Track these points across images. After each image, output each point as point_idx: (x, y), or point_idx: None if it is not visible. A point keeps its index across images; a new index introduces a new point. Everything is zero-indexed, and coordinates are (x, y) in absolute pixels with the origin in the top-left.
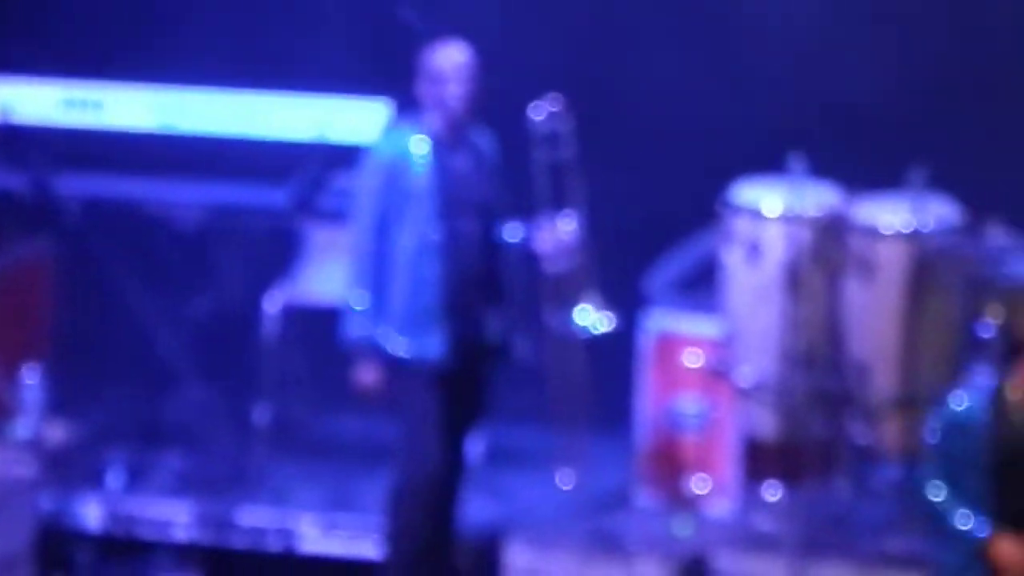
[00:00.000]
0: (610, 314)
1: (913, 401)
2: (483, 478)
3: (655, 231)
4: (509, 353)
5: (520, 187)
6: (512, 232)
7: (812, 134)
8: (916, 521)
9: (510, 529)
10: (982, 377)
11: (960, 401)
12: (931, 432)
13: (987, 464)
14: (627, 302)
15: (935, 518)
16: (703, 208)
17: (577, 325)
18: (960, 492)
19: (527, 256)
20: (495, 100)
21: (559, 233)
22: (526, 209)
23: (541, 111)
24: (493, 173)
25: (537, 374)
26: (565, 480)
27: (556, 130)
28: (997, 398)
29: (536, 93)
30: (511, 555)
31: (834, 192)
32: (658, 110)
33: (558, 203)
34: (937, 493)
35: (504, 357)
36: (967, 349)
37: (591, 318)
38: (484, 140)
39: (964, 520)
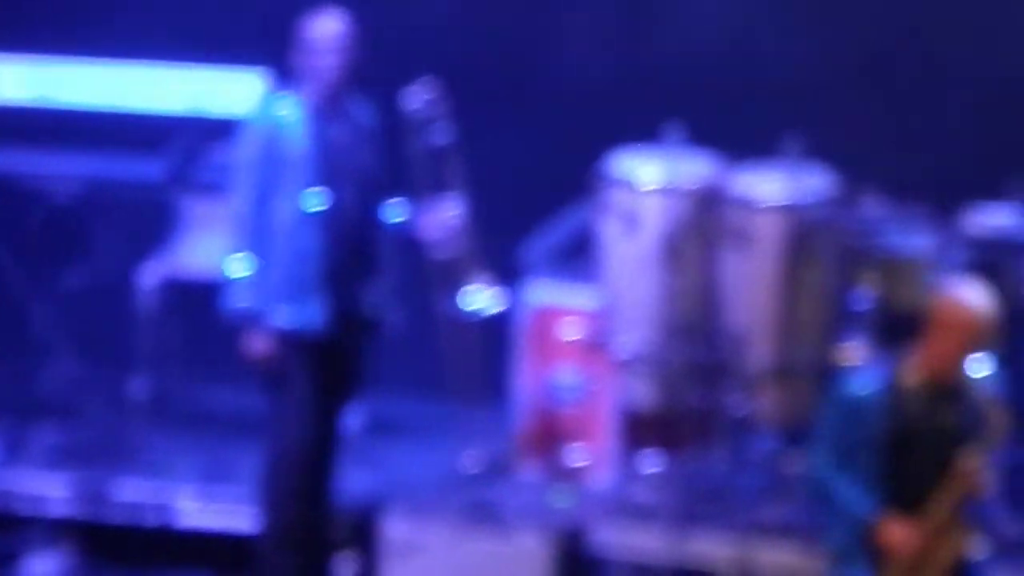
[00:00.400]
0: (499, 294)
1: (790, 372)
2: (361, 450)
3: (536, 206)
4: (383, 325)
5: (401, 173)
6: (395, 210)
7: (688, 104)
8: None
9: (387, 501)
10: (878, 360)
11: (855, 384)
12: (824, 413)
13: (880, 448)
14: (510, 277)
15: (825, 499)
16: (582, 180)
17: (466, 308)
18: (852, 473)
19: (412, 241)
20: (371, 85)
21: (443, 218)
22: (409, 195)
23: (415, 97)
24: (371, 144)
25: (417, 347)
26: (470, 464)
27: (432, 114)
28: (893, 383)
29: (409, 77)
30: (388, 527)
31: (711, 163)
32: (536, 84)
33: (439, 187)
34: (828, 473)
35: (379, 329)
36: (843, 320)
37: (480, 300)
38: (363, 111)
39: (854, 502)
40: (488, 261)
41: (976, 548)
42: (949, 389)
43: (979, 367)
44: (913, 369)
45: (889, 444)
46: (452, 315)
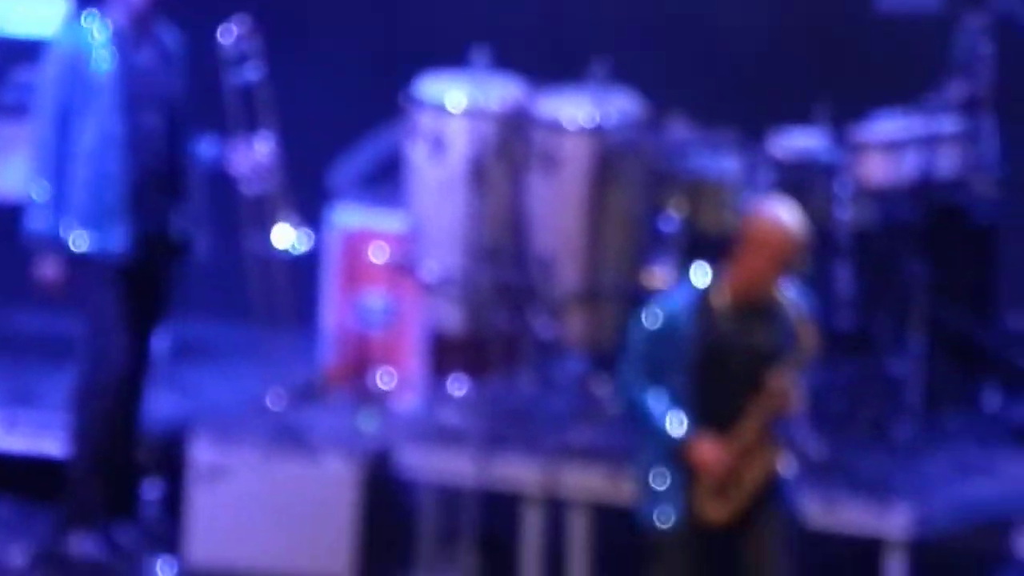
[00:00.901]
0: (309, 232)
1: (596, 294)
2: (168, 374)
3: (349, 132)
4: (189, 250)
5: (215, 109)
6: (207, 145)
7: (495, 28)
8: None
9: (195, 425)
10: (688, 280)
11: (665, 302)
12: (634, 330)
13: (690, 366)
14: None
15: (635, 417)
16: (392, 105)
17: (275, 245)
18: (663, 390)
19: (224, 176)
20: (185, 22)
21: (254, 155)
22: (222, 131)
23: (229, 33)
24: (178, 71)
25: (226, 275)
26: (275, 402)
27: (244, 51)
28: (702, 303)
29: (223, 15)
30: (195, 450)
31: (518, 86)
32: (342, 12)
33: (252, 124)
34: (640, 390)
35: (185, 254)
36: (649, 242)
37: (288, 239)
38: (170, 37)
39: (664, 419)
40: (298, 199)
41: (785, 466)
42: (760, 308)
43: (790, 287)
44: (724, 288)
45: (699, 362)
46: (261, 251)
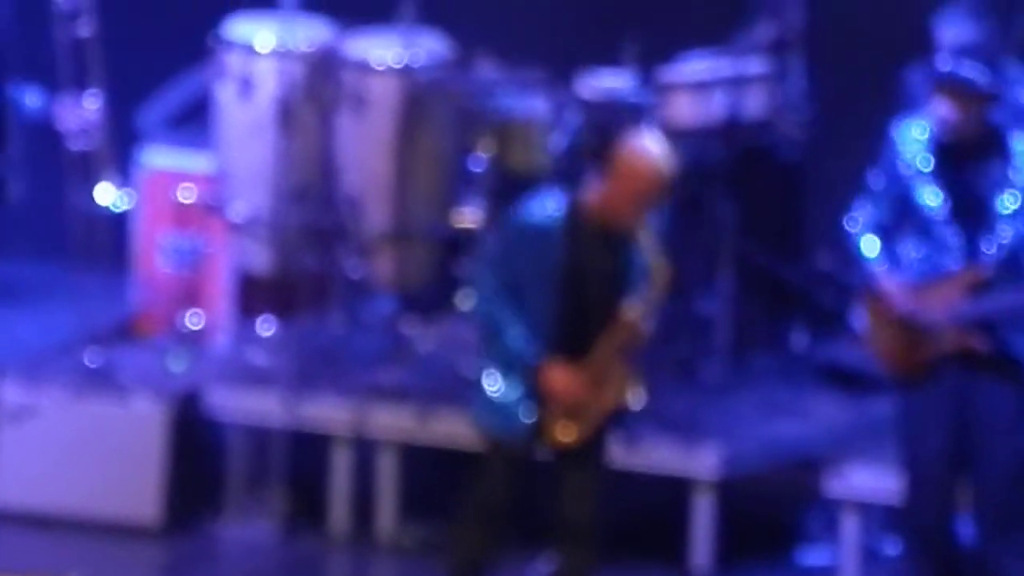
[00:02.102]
0: (131, 191)
1: (405, 235)
2: None
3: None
4: (7, 195)
5: (43, 64)
6: (34, 97)
7: None
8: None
9: (3, 365)
10: (559, 190)
11: (534, 210)
12: (498, 238)
13: (550, 281)
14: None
15: (489, 327)
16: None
17: (98, 202)
18: (521, 307)
19: (50, 132)
20: None
21: (83, 111)
22: (50, 86)
23: None
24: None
25: (42, 220)
26: (92, 359)
27: (77, 6)
28: (569, 221)
29: None
30: (3, 391)
31: (326, 27)
32: None
33: (81, 81)
34: (498, 305)
35: (2, 199)
36: (458, 182)
37: (111, 196)
38: None
39: (520, 340)
40: (118, 152)
41: (634, 397)
42: (620, 235)
43: (650, 222)
44: (590, 207)
45: (559, 279)
46: (82, 205)
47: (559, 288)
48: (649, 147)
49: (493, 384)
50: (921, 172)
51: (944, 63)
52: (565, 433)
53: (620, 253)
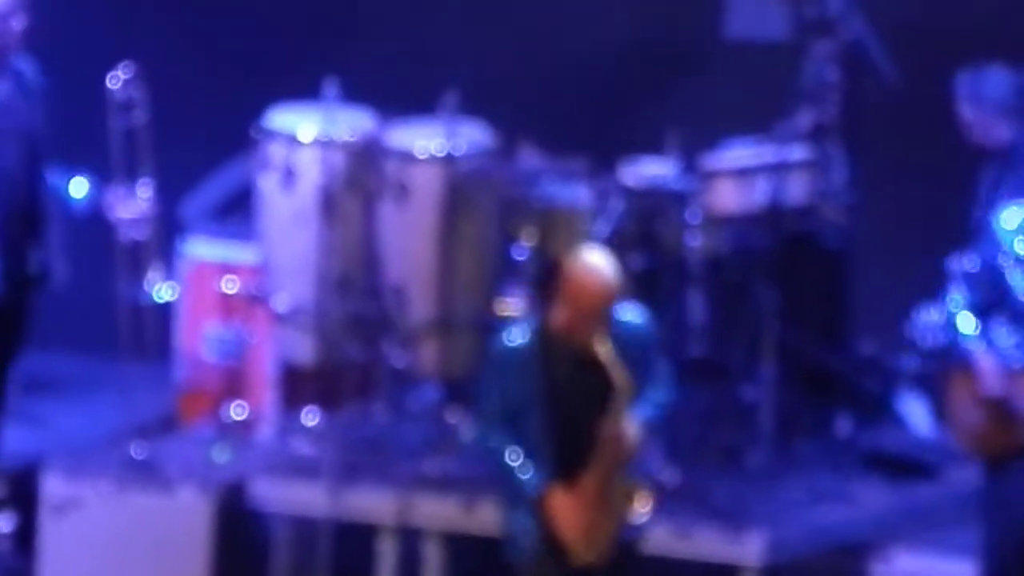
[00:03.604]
0: (176, 284)
1: (448, 324)
2: (19, 407)
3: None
4: (48, 281)
5: (97, 154)
6: (77, 186)
7: (347, 60)
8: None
9: (47, 458)
10: (529, 312)
11: (506, 338)
12: (484, 371)
13: (538, 404)
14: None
15: (494, 467)
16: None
17: (146, 293)
18: (518, 432)
19: (100, 222)
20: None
21: (134, 201)
22: (103, 176)
23: (116, 79)
24: (37, 101)
25: (85, 309)
26: (137, 451)
27: (130, 97)
28: (542, 343)
29: (109, 62)
30: (48, 484)
31: (368, 117)
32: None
33: (132, 171)
34: (496, 441)
35: (44, 285)
36: (501, 271)
37: (157, 288)
38: (29, 68)
39: (522, 474)
40: (165, 249)
41: (642, 508)
42: (588, 352)
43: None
44: (555, 330)
45: (544, 403)
46: (129, 295)
47: (546, 412)
48: (592, 263)
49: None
50: (1019, 257)
51: None
52: (583, 554)
53: (592, 369)
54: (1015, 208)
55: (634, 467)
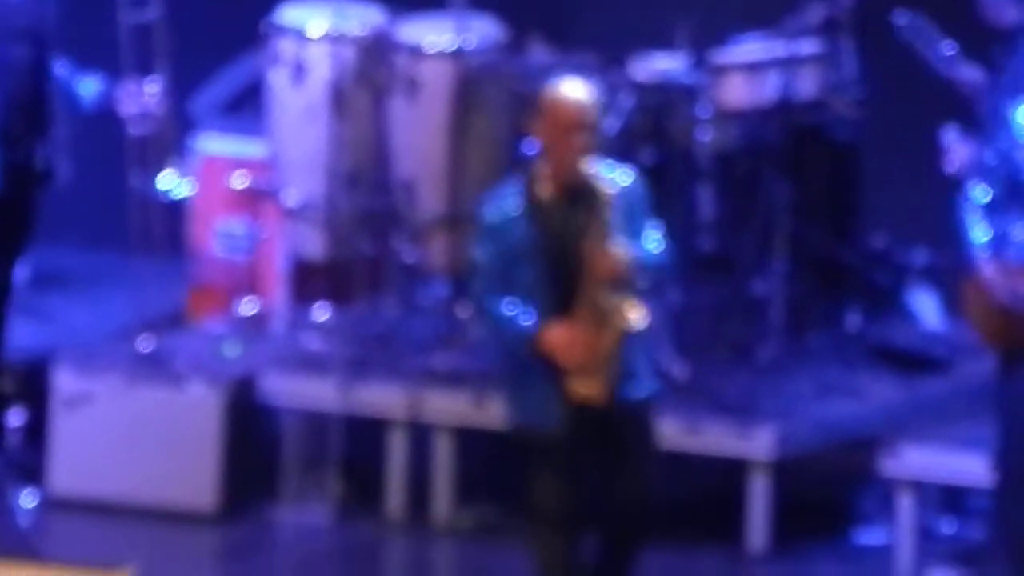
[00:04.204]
0: (192, 179)
1: (459, 219)
2: (28, 301)
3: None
4: (54, 177)
5: (106, 48)
6: (86, 83)
7: None
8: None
9: (57, 353)
10: (512, 183)
11: (493, 207)
12: (475, 239)
13: (531, 261)
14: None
15: (491, 325)
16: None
17: (160, 188)
18: (513, 294)
19: (111, 117)
20: None
21: (145, 96)
22: (113, 70)
23: None
24: None
25: (95, 204)
26: (147, 346)
27: None
28: (530, 202)
29: None
30: (58, 378)
31: (378, 12)
32: None
33: (144, 66)
34: (489, 302)
35: (49, 181)
36: (512, 166)
37: (173, 183)
38: None
39: (515, 321)
40: (177, 144)
41: (637, 319)
42: (579, 191)
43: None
44: (543, 182)
45: (538, 256)
46: (141, 190)
47: (544, 263)
48: (563, 84)
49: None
50: None
51: None
52: (589, 386)
53: (584, 206)
54: None
55: (623, 286)
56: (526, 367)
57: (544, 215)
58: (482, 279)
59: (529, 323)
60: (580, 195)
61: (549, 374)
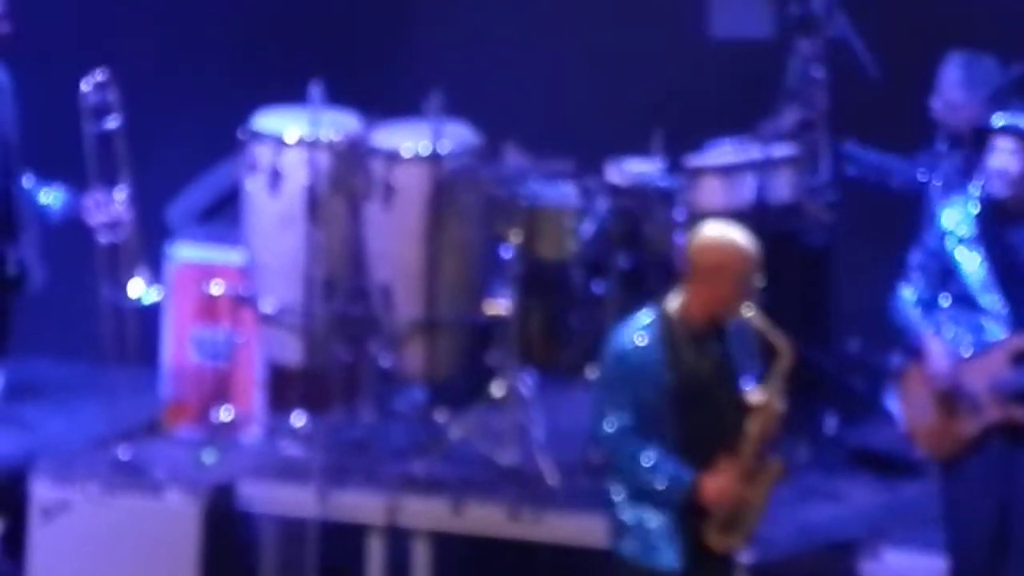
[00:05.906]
0: (160, 286)
1: (435, 324)
2: (2, 412)
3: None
4: (28, 282)
5: (71, 159)
6: (47, 194)
7: (333, 63)
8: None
9: (35, 462)
10: (638, 312)
11: (626, 340)
12: (603, 377)
13: (668, 400)
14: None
15: (625, 467)
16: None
17: (130, 296)
18: (651, 435)
19: (79, 227)
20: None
21: (111, 206)
22: (79, 181)
23: (90, 83)
24: (9, 105)
25: (68, 313)
26: (124, 454)
27: (105, 102)
28: (665, 331)
29: (89, 66)
30: (36, 488)
31: (354, 119)
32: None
33: (109, 175)
34: (631, 445)
35: (22, 287)
36: (487, 271)
37: (142, 290)
38: (1, 73)
39: (662, 478)
40: (150, 252)
41: (783, 481)
42: (712, 329)
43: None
44: (680, 317)
45: (675, 397)
46: (112, 299)
47: (678, 406)
48: (723, 233)
49: (625, 511)
50: (963, 239)
51: (999, 116)
52: (728, 540)
53: (717, 342)
54: (962, 199)
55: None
56: (654, 504)
57: (679, 352)
58: (620, 416)
59: (679, 478)
60: (712, 333)
61: (680, 515)
